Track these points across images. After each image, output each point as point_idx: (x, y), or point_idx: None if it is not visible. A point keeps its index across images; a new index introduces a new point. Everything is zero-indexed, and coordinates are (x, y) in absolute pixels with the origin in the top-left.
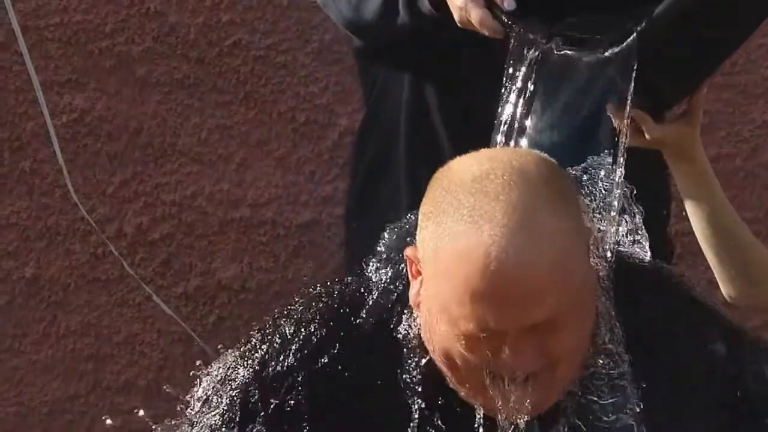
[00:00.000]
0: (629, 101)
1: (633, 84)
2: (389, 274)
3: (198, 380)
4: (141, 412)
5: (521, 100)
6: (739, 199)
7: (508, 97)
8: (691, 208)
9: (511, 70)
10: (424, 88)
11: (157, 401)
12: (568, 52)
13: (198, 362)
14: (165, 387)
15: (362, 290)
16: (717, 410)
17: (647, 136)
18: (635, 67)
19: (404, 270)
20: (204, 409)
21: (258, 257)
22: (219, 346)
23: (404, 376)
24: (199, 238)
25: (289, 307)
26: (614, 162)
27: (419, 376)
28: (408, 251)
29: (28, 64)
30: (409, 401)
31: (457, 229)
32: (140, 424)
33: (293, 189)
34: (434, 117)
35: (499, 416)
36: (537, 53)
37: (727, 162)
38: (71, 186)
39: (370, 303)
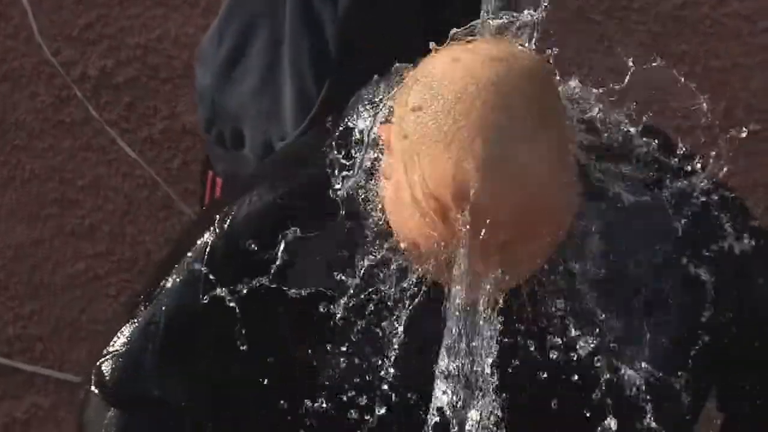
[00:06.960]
0: None
1: None
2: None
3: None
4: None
5: None
6: (705, 47)
7: None
8: None
9: None
10: None
11: (121, 246)
12: None
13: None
14: (129, 231)
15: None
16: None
17: None
18: None
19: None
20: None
21: None
22: (184, 190)
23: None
24: (164, 81)
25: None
26: None
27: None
28: (383, 131)
29: None
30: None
31: (431, 148)
32: (104, 269)
33: None
34: None
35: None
36: None
37: (694, 10)
38: (36, 28)
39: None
